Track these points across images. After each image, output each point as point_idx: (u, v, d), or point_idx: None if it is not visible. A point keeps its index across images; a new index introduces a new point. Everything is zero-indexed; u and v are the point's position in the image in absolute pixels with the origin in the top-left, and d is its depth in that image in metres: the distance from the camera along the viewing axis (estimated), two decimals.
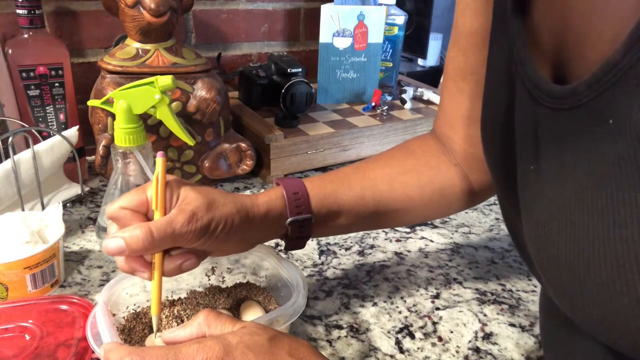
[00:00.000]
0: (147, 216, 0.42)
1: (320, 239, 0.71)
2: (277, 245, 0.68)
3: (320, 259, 0.66)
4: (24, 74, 0.72)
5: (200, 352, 0.34)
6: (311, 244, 0.69)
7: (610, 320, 0.28)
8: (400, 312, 0.58)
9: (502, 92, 0.39)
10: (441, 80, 1.12)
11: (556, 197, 0.31)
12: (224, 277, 0.57)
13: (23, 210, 0.66)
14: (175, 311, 0.51)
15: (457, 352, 0.52)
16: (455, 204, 0.57)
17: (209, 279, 0.57)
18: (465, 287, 0.63)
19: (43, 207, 0.69)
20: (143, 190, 0.42)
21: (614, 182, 0.27)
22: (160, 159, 0.42)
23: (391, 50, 1.06)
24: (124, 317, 0.50)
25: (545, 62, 0.35)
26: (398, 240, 0.72)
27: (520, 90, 0.36)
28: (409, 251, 0.70)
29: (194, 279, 0.56)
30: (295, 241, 0.51)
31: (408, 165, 0.56)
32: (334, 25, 0.97)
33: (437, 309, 0.59)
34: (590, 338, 0.36)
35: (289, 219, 0.48)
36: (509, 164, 0.39)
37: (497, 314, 0.58)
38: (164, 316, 0.50)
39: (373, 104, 0.99)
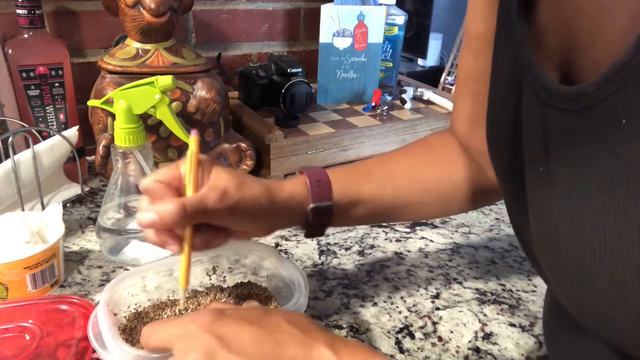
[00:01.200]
0: (179, 191, 0.44)
1: (320, 238, 0.71)
2: (277, 245, 0.68)
3: (320, 259, 0.66)
4: (24, 74, 0.72)
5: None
6: (311, 244, 0.69)
7: (620, 320, 0.28)
8: (400, 312, 0.58)
9: (507, 95, 0.39)
10: (441, 80, 1.12)
11: (566, 199, 0.31)
12: (225, 277, 0.57)
13: (23, 210, 0.66)
14: (177, 311, 0.51)
15: (457, 352, 0.52)
16: (473, 200, 0.57)
17: (210, 279, 0.57)
18: (465, 287, 0.63)
19: (43, 207, 0.69)
20: (177, 166, 0.44)
21: (626, 183, 0.26)
22: (194, 137, 0.44)
23: (391, 50, 1.06)
24: (125, 317, 0.50)
25: (550, 64, 0.35)
26: (398, 240, 0.72)
27: (526, 93, 0.35)
28: (409, 251, 0.70)
29: (195, 278, 0.56)
30: (316, 228, 0.52)
31: (428, 159, 0.57)
32: (334, 25, 0.97)
33: (437, 309, 0.59)
34: (597, 338, 0.36)
35: (311, 205, 0.49)
36: (517, 165, 0.39)
37: (497, 314, 0.58)
38: (165, 316, 0.50)
39: (373, 104, 0.99)
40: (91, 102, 0.63)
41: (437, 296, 0.61)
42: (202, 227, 0.45)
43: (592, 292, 0.29)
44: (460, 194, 0.56)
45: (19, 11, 0.70)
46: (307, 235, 0.53)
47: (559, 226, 0.32)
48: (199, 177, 0.43)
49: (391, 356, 0.51)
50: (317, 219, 0.50)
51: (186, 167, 0.43)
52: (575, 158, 0.31)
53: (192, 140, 0.44)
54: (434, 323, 0.56)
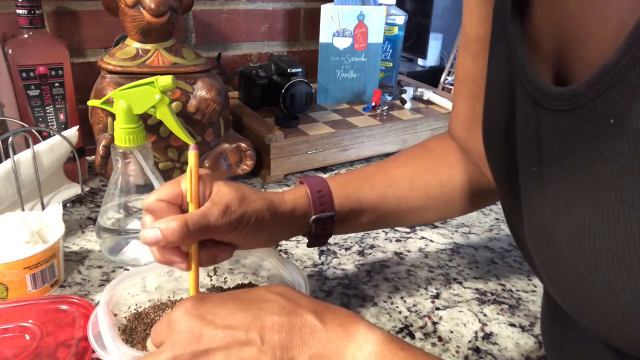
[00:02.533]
0: (181, 208, 0.44)
1: None
2: (277, 245, 0.68)
3: (320, 259, 0.66)
4: (24, 74, 0.72)
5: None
6: None
7: (613, 318, 0.28)
8: (400, 312, 0.58)
9: (502, 96, 0.39)
10: (441, 80, 1.12)
11: (558, 198, 0.32)
12: (225, 278, 0.57)
13: (23, 210, 0.66)
14: None
15: (457, 352, 0.52)
16: (474, 202, 0.58)
17: (211, 279, 0.57)
18: (465, 287, 0.63)
19: (43, 207, 0.69)
20: (178, 182, 0.44)
21: (614, 181, 0.27)
22: (193, 152, 0.43)
23: (391, 50, 1.06)
24: (125, 317, 0.50)
25: (545, 66, 0.35)
26: (398, 240, 0.72)
27: (520, 94, 0.36)
28: (409, 251, 0.70)
29: None
30: (318, 238, 0.52)
31: (428, 163, 0.57)
32: (334, 25, 0.97)
33: (437, 309, 0.59)
34: (593, 337, 0.36)
35: (313, 217, 0.50)
36: (511, 166, 0.39)
37: (497, 314, 0.58)
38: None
39: (373, 104, 0.99)
40: (91, 102, 0.63)
41: (437, 296, 0.61)
42: (207, 242, 0.45)
43: (584, 289, 0.29)
44: (462, 197, 0.56)
45: (19, 11, 0.70)
46: (309, 245, 0.53)
47: (551, 225, 0.32)
48: (201, 193, 0.43)
49: None
50: (319, 229, 0.51)
51: (187, 183, 0.43)
52: (566, 158, 0.31)
53: (192, 155, 0.44)
54: (434, 323, 0.56)
